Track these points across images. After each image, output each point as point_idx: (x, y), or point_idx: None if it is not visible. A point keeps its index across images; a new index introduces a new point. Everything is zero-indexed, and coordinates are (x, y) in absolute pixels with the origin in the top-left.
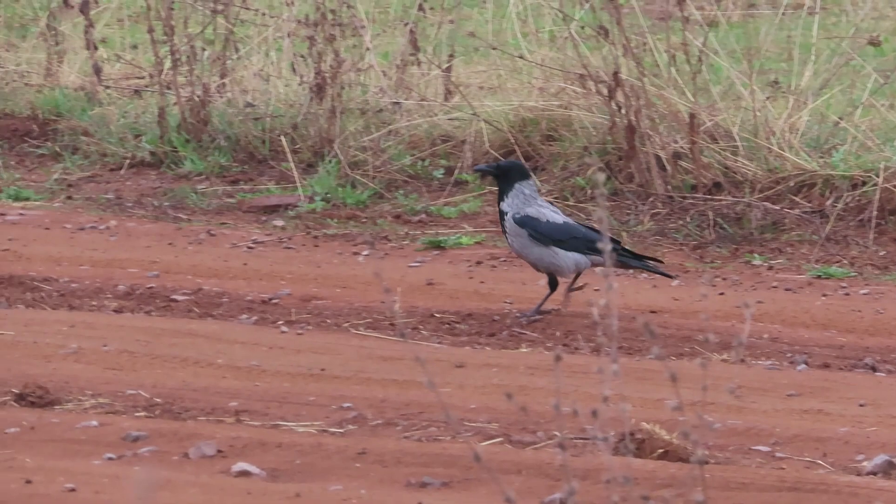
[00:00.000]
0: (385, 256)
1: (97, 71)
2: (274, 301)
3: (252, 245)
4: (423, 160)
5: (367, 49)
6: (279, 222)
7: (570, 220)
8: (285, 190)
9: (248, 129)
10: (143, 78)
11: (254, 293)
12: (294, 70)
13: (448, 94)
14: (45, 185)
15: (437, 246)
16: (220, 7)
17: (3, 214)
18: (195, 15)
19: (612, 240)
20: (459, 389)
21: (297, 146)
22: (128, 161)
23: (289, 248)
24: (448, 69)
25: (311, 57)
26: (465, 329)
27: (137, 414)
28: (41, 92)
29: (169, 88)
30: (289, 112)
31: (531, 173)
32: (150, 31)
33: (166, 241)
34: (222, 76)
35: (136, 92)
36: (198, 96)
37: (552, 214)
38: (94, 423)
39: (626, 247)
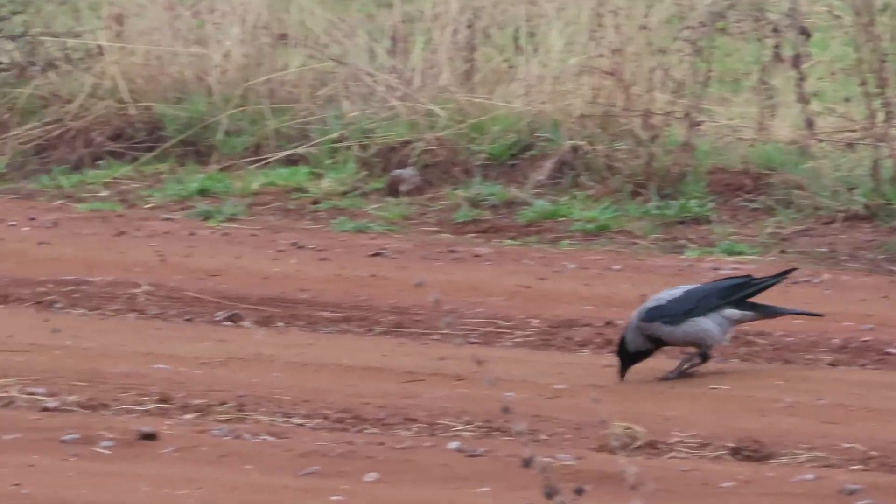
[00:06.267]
0: None
1: (809, 124)
2: None
3: None
4: None
5: None
6: None
7: (688, 287)
8: None
9: None
10: (855, 131)
11: None
12: None
13: None
14: (757, 239)
15: None
16: None
17: (716, 269)
18: None
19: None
20: None
21: None
22: (841, 214)
23: None
24: None
25: None
26: None
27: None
28: (753, 146)
29: (882, 141)
30: None
31: None
32: (863, 83)
33: (880, 294)
34: None
35: (849, 145)
36: None
37: (667, 292)
38: (810, 476)
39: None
